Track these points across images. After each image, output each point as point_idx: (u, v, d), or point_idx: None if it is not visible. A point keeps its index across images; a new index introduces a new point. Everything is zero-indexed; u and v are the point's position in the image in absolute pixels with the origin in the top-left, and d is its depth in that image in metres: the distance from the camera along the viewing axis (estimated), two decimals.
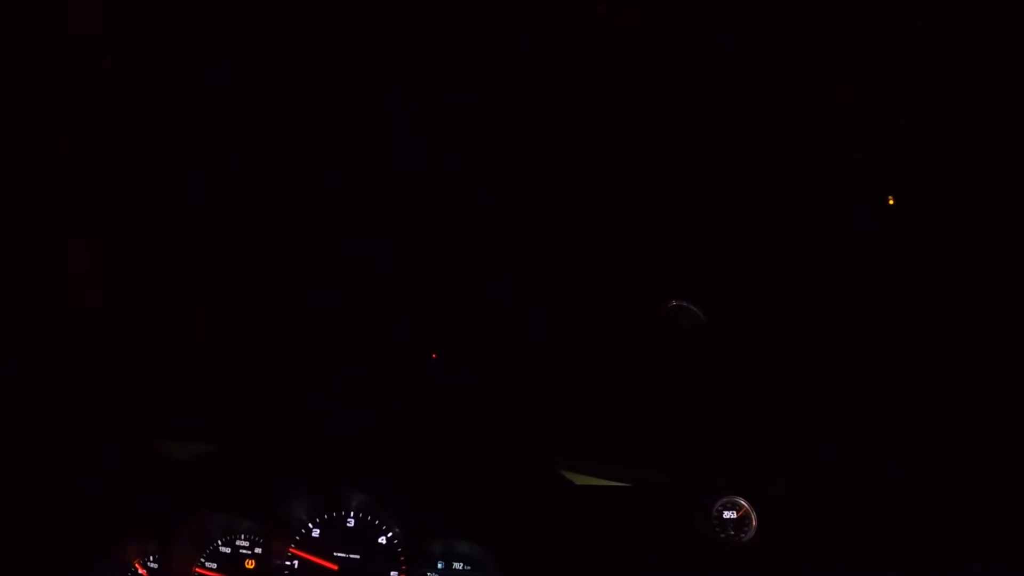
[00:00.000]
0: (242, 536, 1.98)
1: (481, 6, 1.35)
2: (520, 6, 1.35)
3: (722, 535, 1.78)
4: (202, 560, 1.98)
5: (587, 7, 1.34)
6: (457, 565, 1.86)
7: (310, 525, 1.94)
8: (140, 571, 1.98)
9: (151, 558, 1.99)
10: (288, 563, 1.92)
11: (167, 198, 1.75)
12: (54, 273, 1.78)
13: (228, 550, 1.98)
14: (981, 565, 1.58)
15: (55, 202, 1.67)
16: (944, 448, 1.67)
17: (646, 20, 1.36)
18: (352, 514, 1.93)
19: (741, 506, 1.78)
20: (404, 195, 1.72)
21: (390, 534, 1.89)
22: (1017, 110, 1.23)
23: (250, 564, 1.95)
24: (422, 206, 1.74)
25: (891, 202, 1.43)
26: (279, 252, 1.87)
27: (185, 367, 2.07)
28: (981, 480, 1.63)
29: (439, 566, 1.86)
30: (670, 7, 1.33)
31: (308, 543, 1.93)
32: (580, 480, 1.93)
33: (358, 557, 1.89)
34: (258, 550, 1.95)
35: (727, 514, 1.79)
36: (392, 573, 1.87)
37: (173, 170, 1.69)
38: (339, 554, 1.90)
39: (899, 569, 1.68)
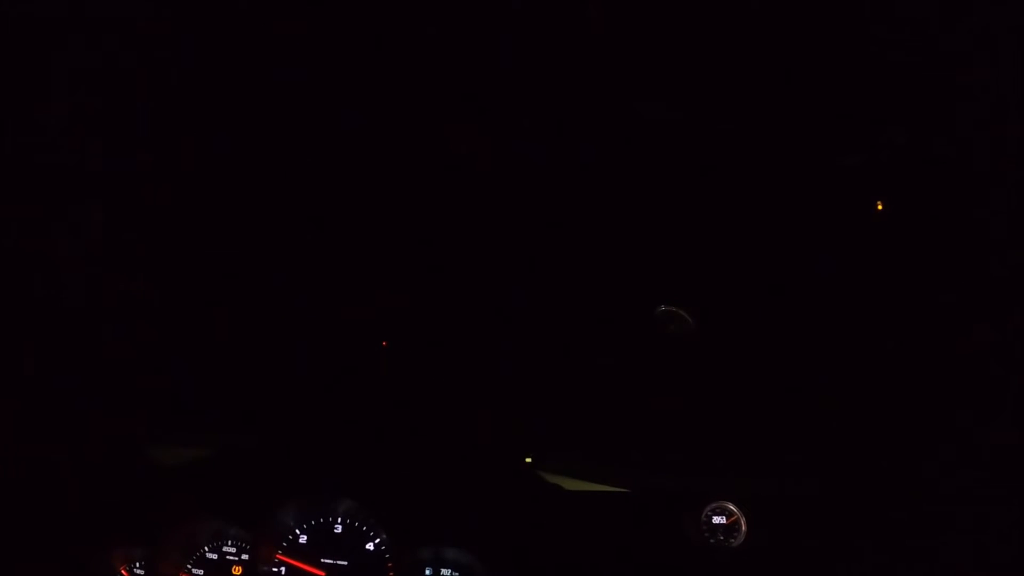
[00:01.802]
0: (229, 542, 1.96)
1: (475, 11, 1.35)
2: (513, 11, 1.34)
3: (712, 540, 1.77)
4: (189, 566, 1.96)
5: (581, 13, 1.33)
6: (445, 572, 1.84)
7: (297, 531, 1.92)
8: None
9: (137, 564, 1.97)
10: (275, 569, 1.90)
11: (156, 198, 1.75)
12: (48, 275, 1.77)
13: (215, 556, 1.96)
14: (971, 566, 1.58)
15: (55, 202, 1.66)
16: (933, 451, 1.67)
17: (639, 26, 1.35)
18: (339, 520, 1.91)
19: (731, 511, 1.78)
20: (393, 191, 1.72)
21: (378, 540, 1.88)
22: (1007, 116, 1.23)
23: (237, 571, 1.94)
24: (417, 202, 1.73)
25: (880, 207, 1.43)
26: (265, 257, 1.87)
27: (172, 373, 2.05)
28: (970, 481, 1.63)
29: (427, 572, 1.85)
30: (663, 14, 1.32)
31: (295, 549, 1.91)
32: (570, 486, 1.92)
33: (346, 563, 1.88)
34: (245, 556, 1.94)
35: (717, 519, 1.78)
36: None
37: (166, 169, 1.69)
38: (327, 560, 1.89)
39: (889, 573, 1.68)
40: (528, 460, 1.90)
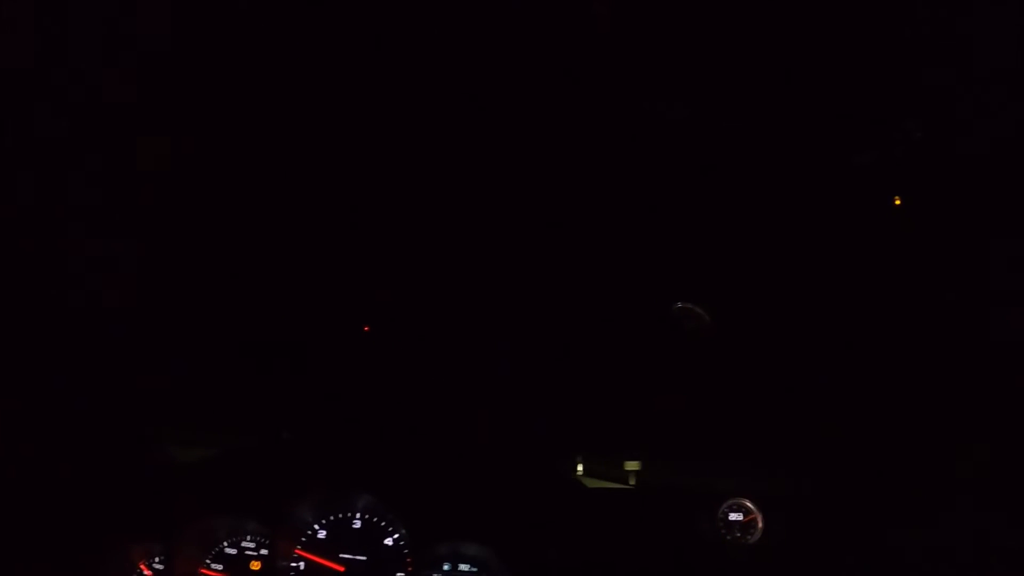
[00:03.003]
0: (248, 537, 1.98)
1: (476, 8, 1.36)
2: (517, 9, 1.36)
3: (728, 537, 1.78)
4: (208, 561, 1.97)
5: (588, 10, 1.35)
6: (464, 567, 1.85)
7: (316, 526, 1.94)
8: (146, 572, 1.97)
9: (157, 559, 1.98)
10: (294, 564, 1.91)
11: (161, 200, 1.77)
12: (58, 275, 1.79)
13: (234, 551, 1.97)
14: (985, 566, 1.58)
15: (56, 203, 1.68)
16: (948, 451, 1.67)
17: (647, 24, 1.37)
18: (358, 515, 1.93)
19: (748, 508, 1.79)
20: (403, 188, 1.73)
21: (396, 535, 1.89)
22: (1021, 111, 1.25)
23: (256, 565, 1.94)
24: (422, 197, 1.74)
25: (897, 203, 1.45)
26: (274, 255, 1.88)
27: (191, 368, 2.07)
28: (984, 481, 1.63)
29: (445, 568, 1.85)
30: (672, 11, 1.34)
31: (314, 544, 1.92)
32: (587, 483, 1.93)
33: (364, 559, 1.89)
34: (264, 551, 1.95)
35: (733, 516, 1.79)
36: (398, 575, 1.86)
37: (163, 170, 1.71)
38: (345, 555, 1.90)
39: (904, 571, 1.68)
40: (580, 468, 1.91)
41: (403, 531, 1.88)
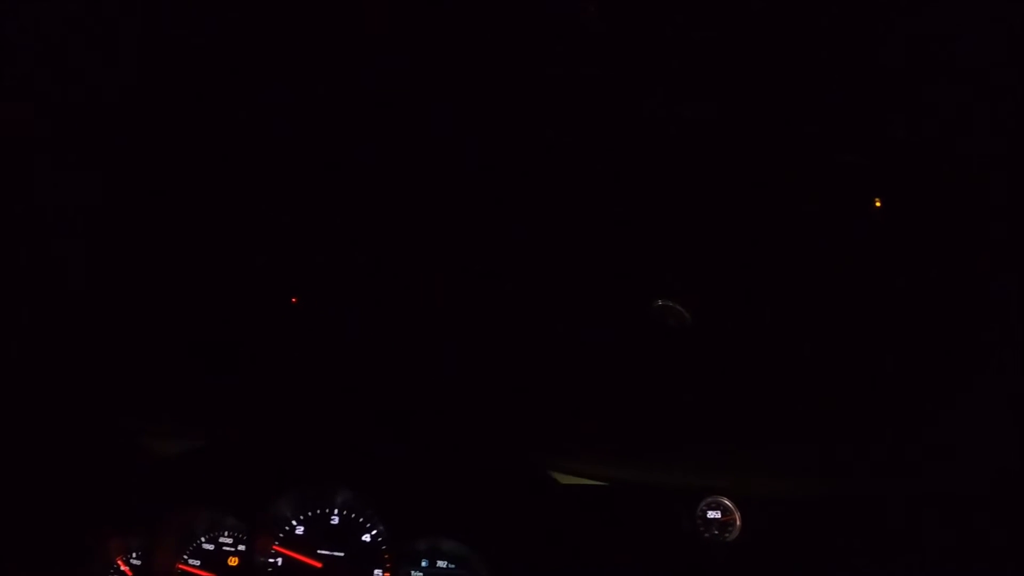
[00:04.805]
0: (226, 533, 1.97)
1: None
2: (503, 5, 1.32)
3: (706, 535, 1.78)
4: (185, 557, 1.97)
5: (575, 7, 1.32)
6: (441, 563, 1.85)
7: (294, 522, 1.93)
8: (123, 568, 1.97)
9: (134, 555, 1.98)
10: (272, 560, 1.91)
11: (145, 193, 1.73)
12: (41, 268, 1.76)
13: (211, 547, 1.97)
14: (962, 567, 1.59)
15: (50, 199, 1.65)
16: (925, 452, 1.67)
17: (633, 18, 1.34)
18: (337, 512, 1.92)
19: (726, 506, 1.79)
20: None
21: (374, 532, 1.88)
22: (1008, 112, 1.23)
23: (233, 561, 1.94)
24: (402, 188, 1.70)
25: (878, 204, 1.43)
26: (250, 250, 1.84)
27: (169, 363, 2.05)
28: (960, 483, 1.64)
29: (423, 564, 1.86)
30: (658, 8, 1.31)
31: (292, 540, 1.92)
32: (565, 480, 1.92)
33: (342, 555, 1.89)
34: (242, 547, 1.95)
35: (711, 514, 1.79)
36: (376, 571, 1.86)
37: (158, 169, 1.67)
38: (323, 552, 1.90)
39: (880, 570, 1.69)
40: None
41: (381, 527, 1.87)
